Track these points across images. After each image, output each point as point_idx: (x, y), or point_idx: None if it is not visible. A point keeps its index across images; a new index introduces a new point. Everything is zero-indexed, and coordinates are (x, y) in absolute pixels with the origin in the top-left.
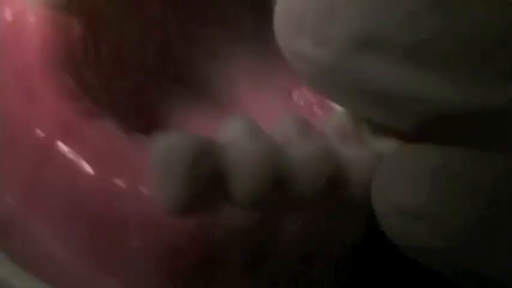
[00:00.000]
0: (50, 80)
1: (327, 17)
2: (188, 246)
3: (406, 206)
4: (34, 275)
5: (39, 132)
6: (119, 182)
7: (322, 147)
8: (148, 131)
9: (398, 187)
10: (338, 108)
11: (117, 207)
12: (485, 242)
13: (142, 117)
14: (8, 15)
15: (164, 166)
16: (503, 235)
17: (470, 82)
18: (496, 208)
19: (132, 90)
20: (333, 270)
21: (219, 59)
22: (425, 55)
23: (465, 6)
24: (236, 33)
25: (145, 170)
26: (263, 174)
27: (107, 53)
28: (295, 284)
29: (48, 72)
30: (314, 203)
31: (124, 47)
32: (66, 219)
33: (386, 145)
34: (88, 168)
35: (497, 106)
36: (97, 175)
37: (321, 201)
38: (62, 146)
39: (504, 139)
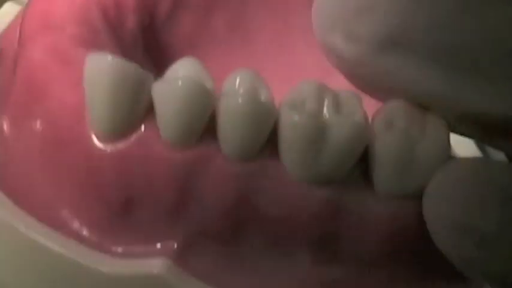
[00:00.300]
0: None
1: (358, 15)
2: (112, 172)
3: (458, 219)
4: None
5: (35, 54)
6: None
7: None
8: None
9: (451, 200)
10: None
11: (68, 127)
12: None
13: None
14: None
15: (89, 88)
16: None
17: (496, 88)
18: None
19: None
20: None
21: None
22: (451, 58)
23: (496, 9)
24: None
25: None
26: (247, 127)
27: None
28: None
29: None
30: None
31: None
32: (37, 135)
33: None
34: (59, 89)
35: None
36: (62, 94)
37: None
38: (48, 67)
39: None
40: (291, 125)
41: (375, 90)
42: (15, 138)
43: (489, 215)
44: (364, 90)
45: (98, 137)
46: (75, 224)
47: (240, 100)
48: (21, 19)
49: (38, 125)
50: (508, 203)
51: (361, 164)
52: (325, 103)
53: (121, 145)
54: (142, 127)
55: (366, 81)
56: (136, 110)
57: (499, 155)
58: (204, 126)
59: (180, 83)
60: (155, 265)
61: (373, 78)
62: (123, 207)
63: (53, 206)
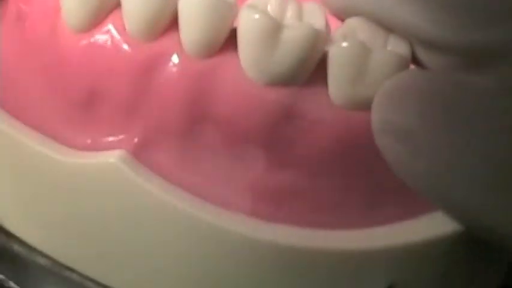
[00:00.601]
0: None
1: None
2: (77, 62)
3: (396, 124)
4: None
5: None
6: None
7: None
8: None
9: (392, 106)
10: None
11: (46, 24)
12: (462, 167)
13: None
14: None
15: None
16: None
17: (452, 19)
18: (471, 131)
19: None
20: None
21: None
22: None
23: None
24: None
25: None
26: (206, 23)
27: None
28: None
29: None
30: None
31: None
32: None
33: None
34: None
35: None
36: None
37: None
38: None
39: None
40: (248, 22)
41: (351, 15)
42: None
43: (428, 123)
44: (340, 15)
45: (68, 31)
46: (49, 120)
47: None
48: None
49: (26, 27)
50: (448, 112)
51: (322, 72)
52: (288, 11)
53: (88, 37)
54: (110, 20)
55: (343, 6)
56: (103, 1)
57: None
58: (167, 22)
59: None
60: (113, 155)
61: (350, 2)
62: (88, 100)
63: (32, 105)
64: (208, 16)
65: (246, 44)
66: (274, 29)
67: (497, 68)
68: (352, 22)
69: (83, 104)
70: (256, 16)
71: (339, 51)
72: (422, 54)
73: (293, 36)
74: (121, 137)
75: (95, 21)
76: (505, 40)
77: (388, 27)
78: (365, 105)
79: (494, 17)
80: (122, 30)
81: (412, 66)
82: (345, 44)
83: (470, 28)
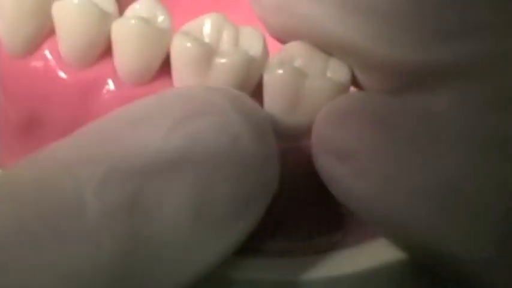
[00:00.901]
0: None
1: None
2: (15, 88)
3: (337, 145)
4: None
5: None
6: None
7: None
8: None
9: (333, 127)
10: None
11: None
12: (406, 188)
13: None
14: None
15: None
16: (422, 179)
17: (398, 37)
18: (416, 151)
19: None
20: None
21: None
22: (363, 5)
23: None
24: None
25: None
26: (139, 50)
27: None
28: None
29: None
30: None
31: None
32: None
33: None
34: None
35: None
36: None
37: None
38: None
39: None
40: (180, 50)
41: (292, 38)
42: None
43: (370, 144)
44: (281, 38)
45: (7, 56)
46: None
47: (133, 22)
48: None
49: None
50: (390, 133)
51: (259, 98)
52: (224, 35)
53: (26, 62)
54: (46, 46)
55: (285, 29)
56: (38, 28)
57: None
58: (101, 49)
59: (75, 1)
60: None
61: (291, 25)
62: (27, 126)
63: None
64: (140, 43)
65: (179, 72)
66: (206, 56)
67: (446, 88)
68: (291, 47)
69: (22, 129)
70: (188, 44)
71: (274, 78)
72: (364, 77)
73: (225, 63)
74: None
75: (31, 47)
76: (455, 61)
77: (329, 50)
78: (301, 133)
79: (444, 36)
80: (57, 56)
81: (353, 89)
82: (279, 71)
83: (419, 48)
